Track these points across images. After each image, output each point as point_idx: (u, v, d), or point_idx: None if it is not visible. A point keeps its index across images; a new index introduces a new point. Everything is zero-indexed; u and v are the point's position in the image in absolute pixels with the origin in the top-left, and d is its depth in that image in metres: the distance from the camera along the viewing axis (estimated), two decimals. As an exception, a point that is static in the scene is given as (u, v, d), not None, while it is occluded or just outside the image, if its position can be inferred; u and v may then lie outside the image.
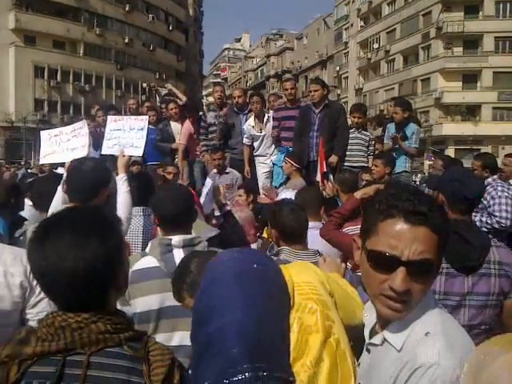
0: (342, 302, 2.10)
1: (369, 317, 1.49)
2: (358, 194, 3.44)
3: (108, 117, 4.52)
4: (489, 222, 4.33)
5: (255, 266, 1.02)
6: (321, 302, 1.92)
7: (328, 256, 2.55)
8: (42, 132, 4.66)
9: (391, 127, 6.93)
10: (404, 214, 1.26)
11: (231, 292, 0.97)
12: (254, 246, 3.70)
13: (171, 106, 7.92)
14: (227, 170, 6.59)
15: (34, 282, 2.07)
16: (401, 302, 1.27)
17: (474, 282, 2.48)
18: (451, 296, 2.48)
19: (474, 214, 4.25)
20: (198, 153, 7.60)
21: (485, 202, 4.44)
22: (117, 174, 3.42)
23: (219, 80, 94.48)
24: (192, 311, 1.07)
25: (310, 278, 2.03)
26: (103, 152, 4.26)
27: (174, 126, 7.75)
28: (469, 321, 2.48)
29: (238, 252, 1.07)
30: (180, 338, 2.32)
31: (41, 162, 4.77)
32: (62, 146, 4.31)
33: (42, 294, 2.07)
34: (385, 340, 1.35)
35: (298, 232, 2.74)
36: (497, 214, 4.35)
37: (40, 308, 2.11)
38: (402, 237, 1.25)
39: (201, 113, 7.77)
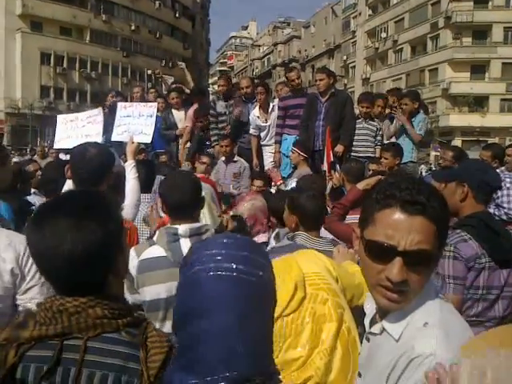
0: (349, 283, 2.12)
1: (370, 306, 1.48)
2: (360, 185, 3.45)
3: (118, 103, 4.53)
4: (496, 213, 4.30)
5: (234, 266, 0.99)
6: (331, 290, 1.94)
7: (342, 247, 2.56)
8: (58, 116, 4.71)
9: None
10: (401, 204, 1.25)
11: (211, 294, 0.95)
12: (265, 235, 3.70)
13: (172, 95, 7.90)
14: (235, 159, 6.59)
15: (26, 269, 2.07)
16: (398, 292, 1.26)
17: (508, 274, 2.51)
18: (493, 290, 2.49)
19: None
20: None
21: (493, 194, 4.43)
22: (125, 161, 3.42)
23: (225, 68, 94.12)
24: (175, 305, 1.06)
25: (318, 267, 2.04)
26: (113, 139, 4.28)
27: (176, 114, 7.76)
28: (503, 312, 2.51)
29: (219, 246, 1.02)
30: (189, 325, 2.33)
31: (55, 147, 4.81)
32: (76, 131, 4.33)
33: (33, 281, 2.08)
34: (383, 329, 1.35)
35: (317, 217, 2.79)
36: (505, 205, 4.32)
37: (31, 294, 2.09)
38: (398, 226, 1.24)
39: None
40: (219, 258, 0.99)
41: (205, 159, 5.90)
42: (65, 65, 45.42)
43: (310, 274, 1.97)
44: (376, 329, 1.38)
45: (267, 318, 1.02)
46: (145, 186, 3.41)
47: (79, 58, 46.42)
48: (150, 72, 8.80)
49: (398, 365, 1.23)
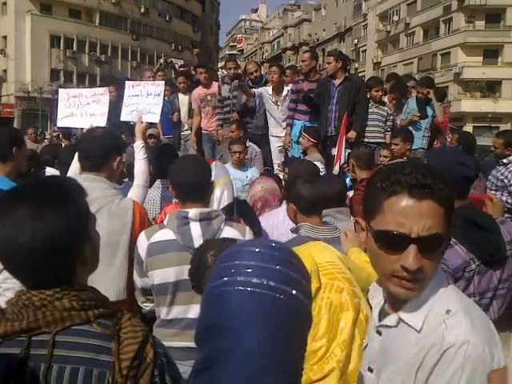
0: (358, 278, 2.10)
1: (375, 298, 1.45)
2: None
3: (126, 82, 4.38)
4: (509, 201, 4.26)
5: (264, 282, 0.89)
6: (346, 279, 1.92)
7: (349, 231, 2.51)
8: (60, 90, 4.53)
9: (411, 103, 6.82)
10: (408, 190, 1.22)
11: (235, 312, 0.88)
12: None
13: (180, 79, 7.81)
14: (246, 145, 6.54)
15: None
16: (414, 280, 1.24)
17: (501, 272, 2.33)
18: (487, 293, 2.31)
19: (493, 192, 4.19)
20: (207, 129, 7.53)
21: (505, 181, 4.37)
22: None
23: (235, 52, 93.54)
24: (199, 316, 1.00)
25: (331, 256, 2.01)
26: (122, 119, 4.17)
27: (182, 99, 7.68)
28: (498, 312, 2.35)
29: (250, 256, 0.93)
30: (197, 310, 2.32)
31: (58, 125, 4.58)
32: (80, 109, 4.20)
33: (7, 273, 2.08)
34: (401, 321, 1.31)
35: (315, 202, 2.63)
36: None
37: (6, 285, 2.09)
38: (408, 213, 1.22)
39: (217, 83, 7.62)
40: (249, 270, 0.90)
41: (237, 148, 5.49)
42: (74, 48, 45.28)
43: (323, 264, 1.93)
44: (390, 321, 1.34)
45: (298, 342, 0.93)
46: (157, 172, 3.40)
47: (89, 40, 46.25)
48: (162, 61, 8.60)
49: (428, 358, 1.21)
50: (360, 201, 3.31)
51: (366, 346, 1.52)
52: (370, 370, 1.41)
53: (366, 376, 1.44)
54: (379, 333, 1.40)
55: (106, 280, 2.51)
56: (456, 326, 1.21)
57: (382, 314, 1.40)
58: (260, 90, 6.92)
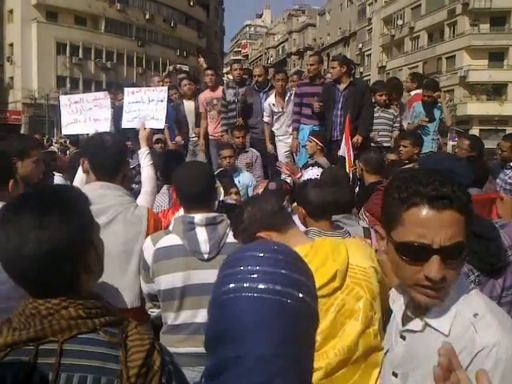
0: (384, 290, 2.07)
1: (396, 303, 1.46)
2: None
3: (125, 89, 4.36)
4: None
5: (271, 287, 0.89)
6: (369, 290, 1.88)
7: (360, 237, 2.50)
8: (61, 96, 4.52)
9: (418, 106, 6.79)
10: (428, 201, 1.22)
11: (243, 318, 0.88)
12: None
13: (185, 82, 7.73)
14: (246, 149, 6.60)
15: None
16: (438, 289, 1.25)
17: (503, 280, 2.24)
18: None
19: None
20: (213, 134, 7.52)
21: (513, 184, 4.35)
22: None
23: (239, 57, 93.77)
24: (206, 325, 1.00)
25: (366, 263, 1.98)
26: (123, 126, 4.14)
27: (188, 105, 7.64)
28: None
29: (255, 261, 0.93)
30: (205, 314, 2.32)
31: (64, 133, 4.58)
32: (83, 114, 4.19)
33: None
34: (427, 325, 1.32)
35: (324, 206, 2.64)
36: (525, 196, 4.24)
37: None
38: (429, 224, 1.22)
39: (222, 87, 7.64)
40: (254, 276, 0.90)
41: (226, 153, 5.54)
42: (80, 55, 45.54)
43: (354, 266, 1.90)
44: (416, 326, 1.35)
45: (307, 344, 0.93)
46: (164, 177, 3.40)
47: (94, 47, 46.49)
48: (170, 68, 8.58)
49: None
50: (378, 207, 3.26)
51: (387, 352, 1.52)
52: (395, 374, 1.42)
53: (390, 381, 1.44)
54: (403, 337, 1.41)
55: (121, 287, 2.51)
56: (486, 329, 1.22)
57: (405, 319, 1.41)
58: (266, 102, 6.96)
